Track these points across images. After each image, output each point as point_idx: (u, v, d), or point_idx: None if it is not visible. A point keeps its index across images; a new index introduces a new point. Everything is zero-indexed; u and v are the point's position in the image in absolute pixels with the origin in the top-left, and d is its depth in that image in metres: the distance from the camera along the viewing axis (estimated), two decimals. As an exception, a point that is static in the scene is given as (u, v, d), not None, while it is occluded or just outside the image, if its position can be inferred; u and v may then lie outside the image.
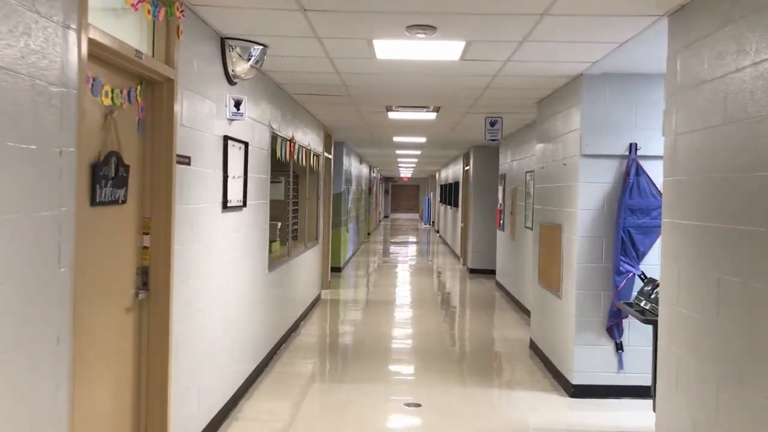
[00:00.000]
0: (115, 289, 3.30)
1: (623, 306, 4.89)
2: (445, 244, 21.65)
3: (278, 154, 6.58)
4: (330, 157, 11.24)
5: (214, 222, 4.50)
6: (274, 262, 6.78)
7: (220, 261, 4.66)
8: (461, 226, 15.89)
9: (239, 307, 5.24)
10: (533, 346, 7.13)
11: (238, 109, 4.75)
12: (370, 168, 25.02)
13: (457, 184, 17.61)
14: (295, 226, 9.35)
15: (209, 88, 4.34)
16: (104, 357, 3.19)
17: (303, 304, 8.62)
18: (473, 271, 13.80)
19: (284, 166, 8.43)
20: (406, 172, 33.89)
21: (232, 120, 4.81)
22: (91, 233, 2.98)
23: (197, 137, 4.09)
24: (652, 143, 5.49)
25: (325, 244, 11.18)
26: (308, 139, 8.63)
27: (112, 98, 3.10)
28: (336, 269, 13.37)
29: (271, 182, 8.52)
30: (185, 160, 3.86)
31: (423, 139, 12.57)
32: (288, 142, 7.08)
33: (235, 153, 4.92)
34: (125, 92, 3.24)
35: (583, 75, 5.57)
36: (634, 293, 5.41)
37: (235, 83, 4.85)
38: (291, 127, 7.34)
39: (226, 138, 4.66)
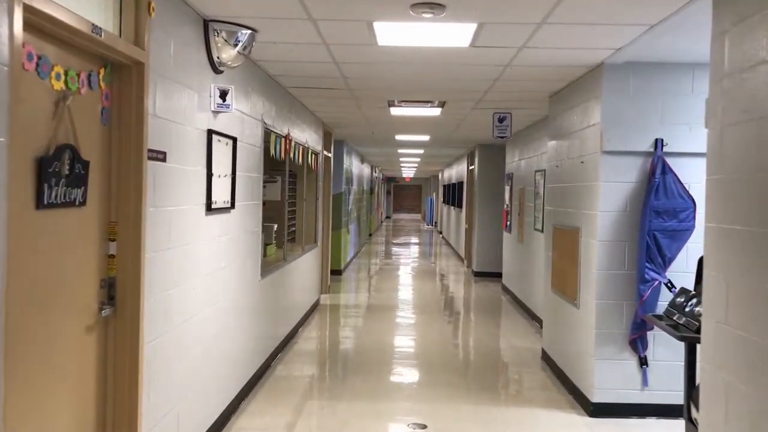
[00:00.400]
0: (74, 305, 2.83)
1: (653, 320, 4.41)
2: (449, 245, 21.18)
3: (272, 151, 6.11)
4: (330, 155, 10.77)
5: (197, 225, 4.03)
6: (269, 267, 6.31)
7: (204, 269, 4.19)
8: (465, 228, 15.42)
9: (228, 318, 4.77)
10: (546, 357, 6.65)
11: (224, 101, 4.28)
12: (372, 168, 24.55)
13: (461, 184, 17.14)
14: (293, 228, 8.88)
15: (190, 76, 3.87)
16: (61, 384, 2.72)
17: (301, 311, 8.15)
18: (478, 274, 13.32)
19: (281, 165, 7.98)
20: (408, 173, 33.43)
21: (218, 112, 4.34)
22: (39, 240, 2.51)
23: (175, 130, 3.62)
24: (680, 139, 5.03)
25: (324, 246, 10.71)
26: (306, 136, 8.16)
27: (66, 82, 2.63)
28: (336, 272, 12.91)
29: (267, 182, 8.09)
30: (159, 156, 3.39)
31: (426, 137, 12.10)
32: (283, 139, 6.61)
33: (222, 149, 4.45)
34: (84, 76, 2.77)
35: (605, 64, 5.10)
36: (661, 303, 4.94)
37: (221, 72, 4.38)
38: (287, 123, 6.87)
39: (210, 132, 4.19)
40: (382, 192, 35.56)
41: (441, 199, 26.80)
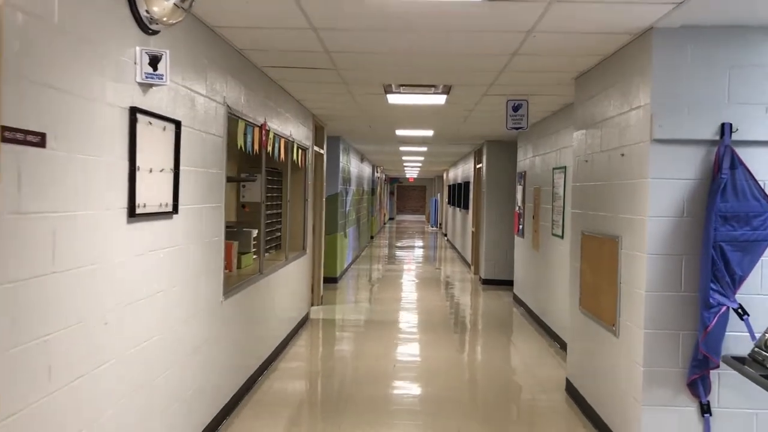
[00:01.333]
0: None
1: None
2: (454, 249, 20.06)
3: (240, 143, 5.01)
4: (322, 152, 9.68)
5: (111, 237, 2.94)
6: (239, 282, 5.22)
7: (125, 296, 3.10)
8: (472, 231, 14.31)
9: (166, 358, 3.68)
10: (572, 390, 5.54)
11: (155, 70, 3.19)
12: (374, 167, 23.45)
13: (467, 184, 16.03)
14: (278, 234, 7.80)
15: (99, 31, 2.79)
16: None
17: (282, 330, 7.06)
18: (487, 282, 12.21)
19: (262, 162, 6.96)
20: (411, 173, 32.32)
21: (148, 85, 3.25)
22: None
23: (67, 105, 2.54)
24: (754, 124, 3.93)
25: (316, 253, 9.62)
26: (290, 128, 7.07)
27: None
28: (331, 280, 11.82)
29: (245, 181, 7.03)
30: (32, 139, 2.30)
31: (430, 133, 11.00)
32: (257, 129, 5.52)
33: (155, 135, 3.35)
34: None
35: (654, 29, 3.99)
36: (730, 334, 3.83)
37: (154, 32, 3.29)
38: (263, 111, 5.79)
39: (134, 110, 3.10)
40: (385, 193, 34.47)
41: (446, 200, 25.69)
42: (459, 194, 18.26)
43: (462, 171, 18.06)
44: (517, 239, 10.51)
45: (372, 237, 23.58)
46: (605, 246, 4.72)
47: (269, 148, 5.96)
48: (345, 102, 7.50)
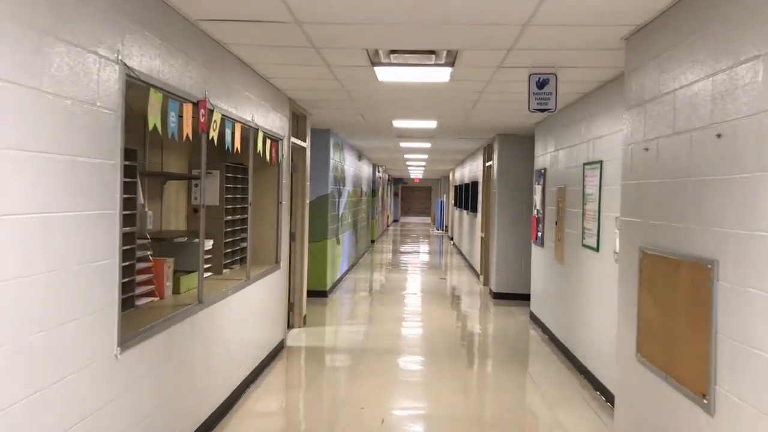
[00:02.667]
0: None
1: None
2: (461, 254, 18.51)
3: (154, 123, 3.49)
4: (304, 146, 8.16)
5: None
6: (155, 321, 3.71)
7: None
8: (481, 237, 12.76)
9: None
10: (624, 467, 4.00)
11: None
12: (375, 167, 21.93)
13: (475, 184, 14.48)
14: (244, 245, 6.31)
15: None
16: None
17: (238, 372, 5.54)
18: (498, 297, 10.67)
19: (229, 156, 5.55)
20: (416, 173, 30.77)
21: None
22: None
23: None
24: None
25: (297, 264, 8.11)
26: (253, 112, 5.57)
27: None
28: (319, 294, 10.31)
29: (195, 178, 5.54)
30: None
31: (432, 124, 9.47)
32: (190, 107, 4.01)
33: None
34: None
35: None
36: None
37: None
38: (202, 83, 4.27)
39: None
40: (388, 194, 32.93)
41: (452, 201, 24.15)
42: (466, 196, 16.71)
43: (469, 170, 16.51)
44: (535, 248, 8.97)
45: (373, 241, 22.05)
46: (685, 273, 3.18)
47: (212, 134, 4.44)
48: (323, 79, 5.99)
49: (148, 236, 4.44)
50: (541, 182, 8.53)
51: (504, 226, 10.70)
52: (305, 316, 8.41)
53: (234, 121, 4.97)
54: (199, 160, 4.44)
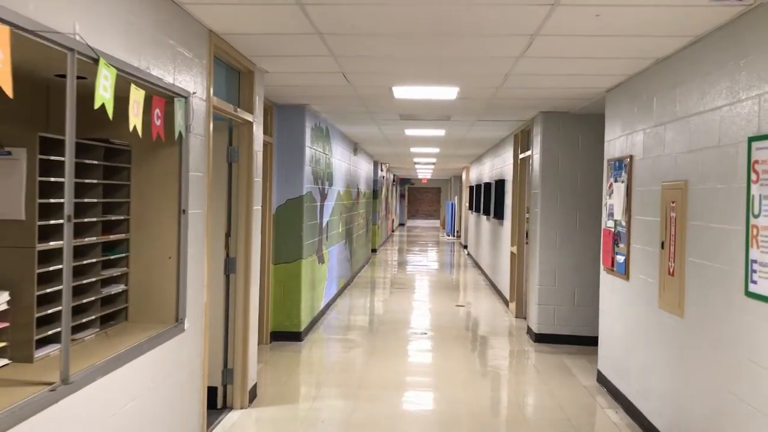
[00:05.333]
0: None
1: None
2: (478, 267, 15.44)
3: None
4: (248, 119, 5.11)
5: None
6: None
7: None
8: (511, 252, 9.71)
9: None
10: None
11: None
12: (377, 165, 18.89)
13: (500, 183, 11.40)
14: (117, 291, 3.31)
15: None
16: None
17: None
18: (542, 339, 7.62)
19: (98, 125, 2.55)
20: (424, 172, 27.72)
21: None
22: None
23: None
24: None
25: (240, 308, 5.09)
26: (85, 22, 2.54)
27: None
28: (290, 337, 7.33)
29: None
30: None
31: (452, 93, 6.42)
32: None
33: None
34: None
35: None
36: None
37: None
38: None
39: None
40: (393, 195, 29.88)
41: (465, 204, 21.07)
42: (486, 198, 13.62)
43: (491, 166, 13.43)
44: (610, 278, 5.91)
45: (375, 250, 19.00)
46: None
47: None
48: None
49: None
50: (624, 178, 5.48)
51: (550, 241, 7.64)
52: (254, 387, 5.38)
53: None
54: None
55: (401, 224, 37.10)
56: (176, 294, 3.72)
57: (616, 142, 5.79)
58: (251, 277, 5.17)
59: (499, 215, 11.35)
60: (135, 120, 3.00)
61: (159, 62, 3.36)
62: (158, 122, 3.31)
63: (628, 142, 5.45)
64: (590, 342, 7.27)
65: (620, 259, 5.53)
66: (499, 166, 11.95)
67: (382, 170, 20.41)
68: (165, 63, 3.43)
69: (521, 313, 9.10)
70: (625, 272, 5.41)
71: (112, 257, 3.51)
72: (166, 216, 3.72)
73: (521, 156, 9.30)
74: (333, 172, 9.77)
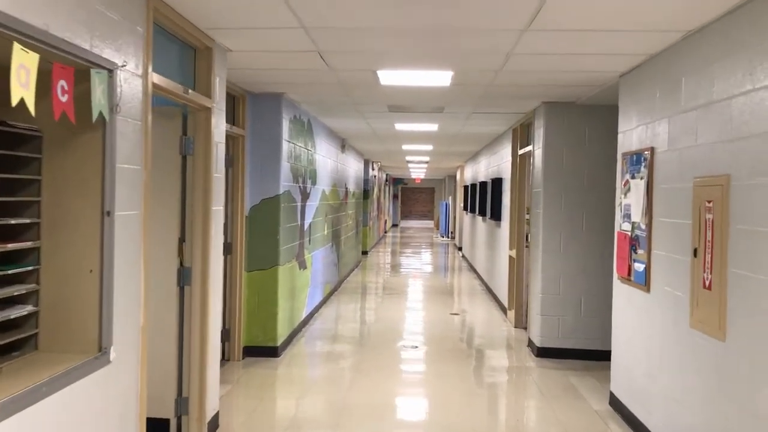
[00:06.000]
0: None
1: None
2: (473, 270, 14.70)
3: None
4: (208, 105, 4.37)
5: None
6: None
7: None
8: (510, 256, 8.99)
9: None
10: None
11: None
12: (368, 163, 18.16)
13: (497, 182, 10.67)
14: (33, 308, 2.55)
15: None
16: None
17: None
18: (544, 354, 6.89)
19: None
20: (417, 172, 27.00)
21: None
22: None
23: None
24: None
25: (196, 327, 4.35)
26: None
27: None
28: (266, 353, 6.60)
29: None
30: None
31: (446, 79, 5.69)
32: None
33: None
34: None
35: None
36: None
37: None
38: None
39: None
40: (386, 196, 29.14)
41: (460, 204, 20.33)
42: (482, 198, 12.89)
43: (487, 164, 12.70)
44: (626, 289, 5.17)
45: (366, 253, 18.25)
46: None
47: None
48: None
49: None
50: (643, 174, 4.75)
51: (553, 245, 6.91)
52: (215, 417, 4.62)
53: None
54: None
55: (394, 225, 36.37)
56: (98, 316, 2.97)
57: (632, 133, 5.06)
58: (210, 289, 4.42)
59: (496, 216, 10.61)
60: (23, 92, 2.26)
61: (65, 20, 2.61)
62: (64, 98, 2.56)
63: (648, 132, 4.72)
64: (598, 357, 6.55)
65: (639, 267, 4.79)
66: (495, 163, 11.22)
67: (373, 169, 19.67)
68: (76, 23, 2.69)
69: (521, 323, 8.38)
70: (645, 283, 4.67)
71: (9, 272, 2.76)
72: (87, 219, 2.97)
73: (520, 152, 8.57)
74: (317, 169, 9.02)
